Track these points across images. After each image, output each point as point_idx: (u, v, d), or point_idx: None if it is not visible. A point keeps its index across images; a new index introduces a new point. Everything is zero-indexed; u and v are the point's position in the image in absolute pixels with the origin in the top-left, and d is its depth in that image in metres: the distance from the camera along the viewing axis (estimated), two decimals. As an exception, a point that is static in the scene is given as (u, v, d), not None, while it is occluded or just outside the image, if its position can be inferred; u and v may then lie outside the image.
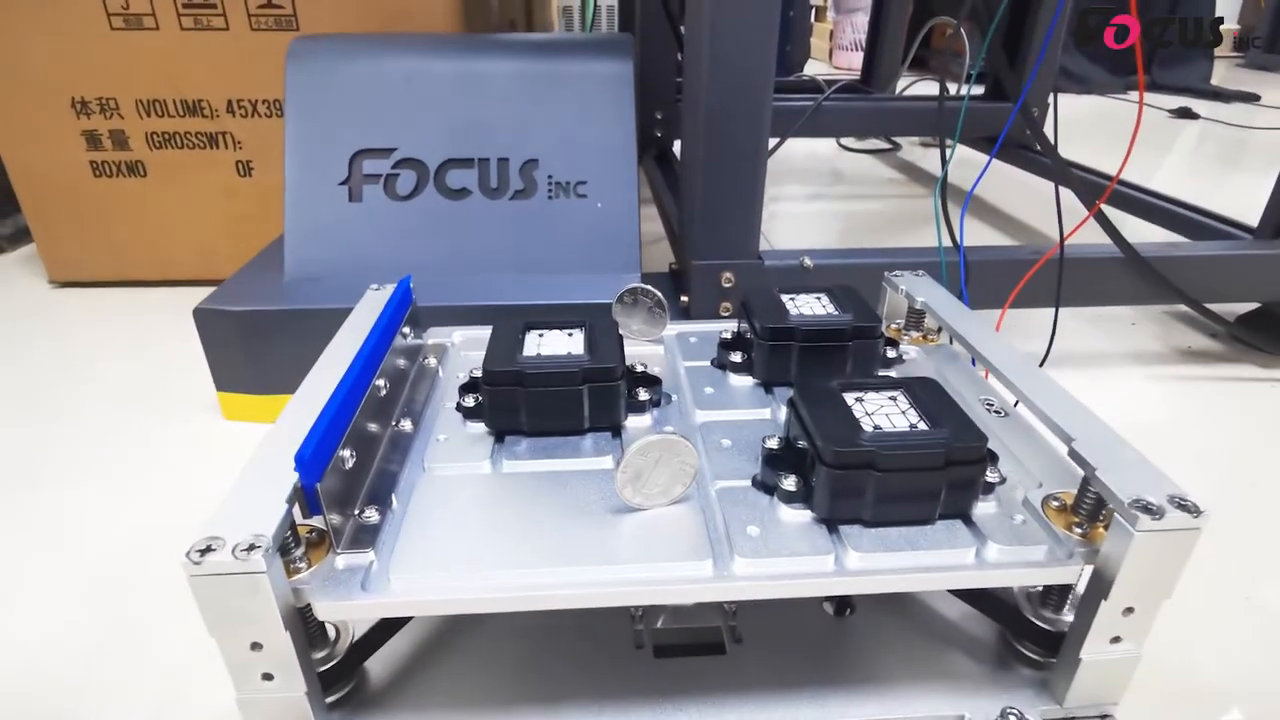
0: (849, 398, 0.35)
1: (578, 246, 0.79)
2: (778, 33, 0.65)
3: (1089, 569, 0.32)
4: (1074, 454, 0.33)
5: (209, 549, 0.28)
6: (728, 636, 0.38)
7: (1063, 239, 0.70)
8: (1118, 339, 0.99)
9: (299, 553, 0.31)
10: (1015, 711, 0.34)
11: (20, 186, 1.06)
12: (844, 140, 1.96)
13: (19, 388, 0.86)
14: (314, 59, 0.78)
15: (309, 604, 0.30)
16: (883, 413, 0.34)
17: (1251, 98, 2.57)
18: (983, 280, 0.76)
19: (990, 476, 0.34)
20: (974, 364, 0.46)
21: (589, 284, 0.76)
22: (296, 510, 0.30)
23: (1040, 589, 0.38)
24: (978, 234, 1.43)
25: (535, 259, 0.78)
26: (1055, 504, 0.34)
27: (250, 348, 0.73)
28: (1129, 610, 0.31)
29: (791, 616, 0.40)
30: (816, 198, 1.67)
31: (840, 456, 0.31)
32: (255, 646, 0.29)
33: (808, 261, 0.74)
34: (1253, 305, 0.93)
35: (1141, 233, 1.18)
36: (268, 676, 0.30)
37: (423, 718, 0.35)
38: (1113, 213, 1.13)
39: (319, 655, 0.35)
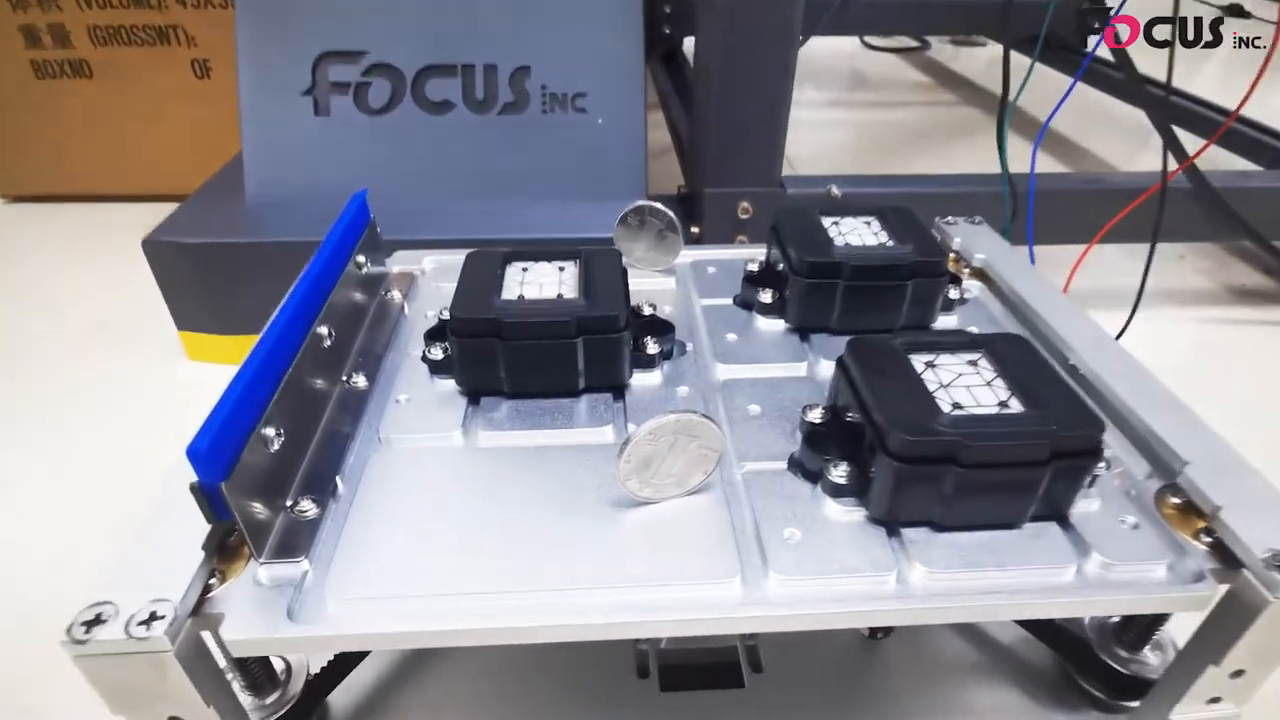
0: (917, 361, 0.28)
1: (575, 170, 0.69)
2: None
3: (1224, 589, 0.25)
4: (1186, 485, 0.26)
5: (98, 619, 0.21)
6: (745, 664, 0.32)
7: (1166, 174, 0.59)
8: (1163, 274, 0.89)
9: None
10: None
11: (-44, 88, 0.95)
12: (868, 37, 1.79)
13: (-37, 315, 0.79)
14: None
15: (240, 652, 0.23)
16: (961, 384, 0.27)
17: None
18: (1044, 213, 0.66)
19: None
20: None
21: (588, 213, 0.66)
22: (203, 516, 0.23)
23: (1116, 619, 0.31)
24: (1017, 157, 1.30)
25: (527, 183, 0.69)
26: (1175, 501, 0.27)
27: (210, 284, 0.65)
28: (1238, 673, 0.25)
29: (819, 640, 0.34)
30: (836, 104, 1.54)
31: (912, 446, 0.24)
32: None
33: (835, 190, 0.64)
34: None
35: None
36: None
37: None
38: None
39: (270, 700, 0.29)
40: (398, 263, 0.42)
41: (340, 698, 0.31)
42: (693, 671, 0.33)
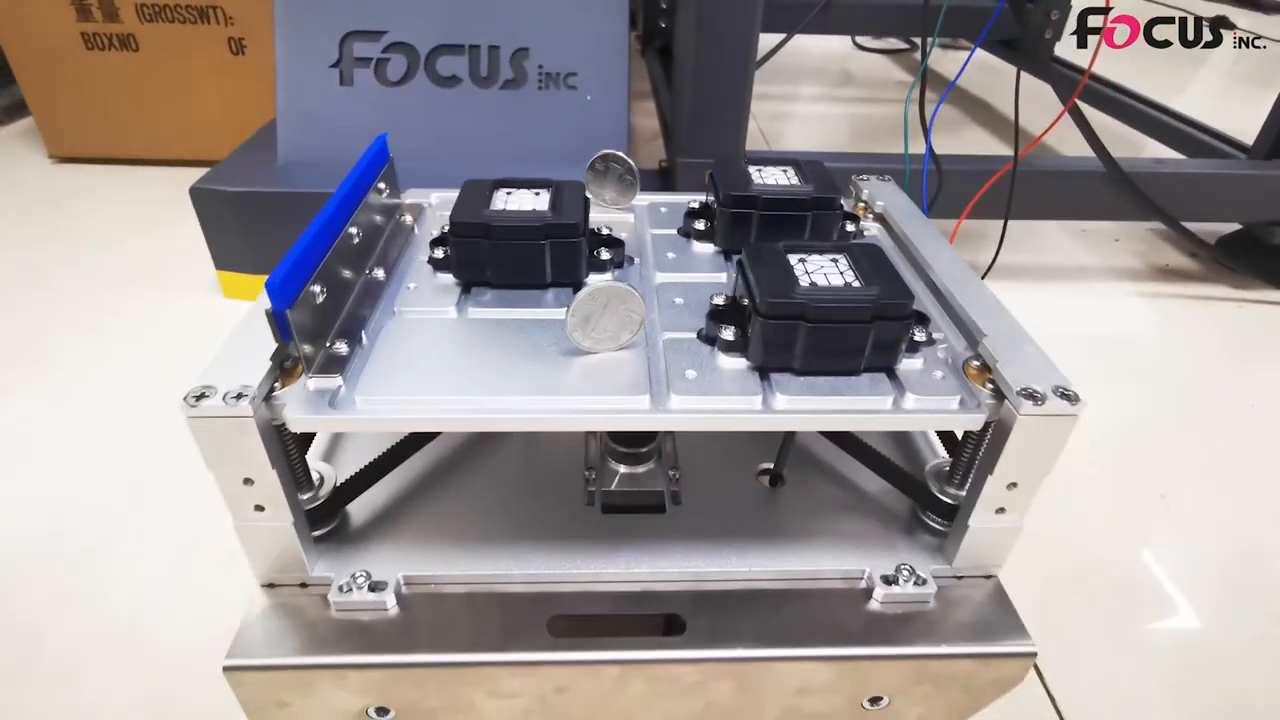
0: (793, 258, 0.37)
1: (566, 139, 0.79)
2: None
3: (994, 418, 0.34)
4: (983, 351, 0.36)
5: (203, 395, 0.31)
6: (669, 498, 0.42)
7: (1017, 154, 0.69)
8: (1100, 254, 0.99)
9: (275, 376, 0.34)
10: (908, 567, 0.38)
11: (14, 58, 1.05)
12: (860, 38, 1.89)
13: (25, 262, 0.89)
14: (301, -75, 0.77)
15: (294, 449, 0.33)
16: (822, 272, 0.36)
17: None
18: (954, 187, 0.76)
19: (918, 336, 0.36)
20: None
21: (576, 177, 0.76)
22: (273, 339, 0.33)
23: (947, 468, 0.41)
24: (973, 137, 1.41)
25: (524, 150, 0.79)
26: (976, 364, 0.36)
27: (246, 228, 0.75)
28: (1013, 485, 0.35)
29: (728, 486, 0.44)
30: (824, 99, 1.64)
31: (774, 307, 0.34)
32: (247, 481, 0.33)
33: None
34: (1235, 227, 0.93)
35: (1139, 146, 1.17)
36: (259, 508, 0.34)
37: (394, 551, 0.39)
38: (1113, 124, 1.12)
39: (306, 496, 0.39)
40: (410, 195, 0.52)
41: (355, 509, 0.41)
42: (627, 503, 0.42)
